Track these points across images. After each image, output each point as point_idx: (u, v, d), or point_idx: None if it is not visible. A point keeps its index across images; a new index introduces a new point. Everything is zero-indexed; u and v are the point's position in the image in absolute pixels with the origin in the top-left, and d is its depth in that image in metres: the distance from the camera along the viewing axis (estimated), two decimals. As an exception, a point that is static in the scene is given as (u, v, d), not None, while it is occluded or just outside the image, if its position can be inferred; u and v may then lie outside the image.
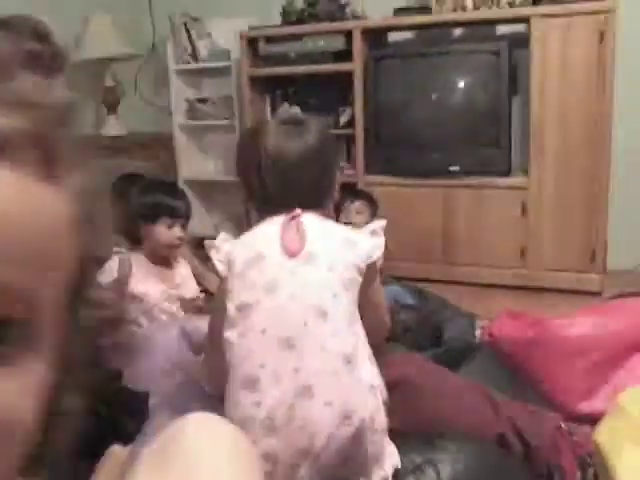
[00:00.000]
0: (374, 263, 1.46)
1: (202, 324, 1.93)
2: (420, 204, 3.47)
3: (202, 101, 4.33)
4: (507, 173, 3.36)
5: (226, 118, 4.20)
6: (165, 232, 2.40)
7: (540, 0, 3.24)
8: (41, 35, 1.87)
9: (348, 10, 3.70)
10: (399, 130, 3.50)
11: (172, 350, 1.86)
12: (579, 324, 2.08)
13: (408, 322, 2.25)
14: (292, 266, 1.42)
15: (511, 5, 3.36)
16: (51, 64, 1.92)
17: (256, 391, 1.34)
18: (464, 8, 3.41)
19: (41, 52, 1.92)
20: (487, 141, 3.36)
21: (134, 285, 2.28)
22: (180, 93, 4.35)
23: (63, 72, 1.96)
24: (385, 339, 2.16)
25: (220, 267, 1.45)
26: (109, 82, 4.15)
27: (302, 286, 1.41)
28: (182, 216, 2.43)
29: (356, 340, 1.40)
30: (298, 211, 1.47)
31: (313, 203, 1.52)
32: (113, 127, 4.14)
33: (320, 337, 1.37)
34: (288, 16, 3.75)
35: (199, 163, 4.49)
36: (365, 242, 1.47)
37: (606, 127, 3.11)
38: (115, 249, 2.66)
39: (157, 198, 2.41)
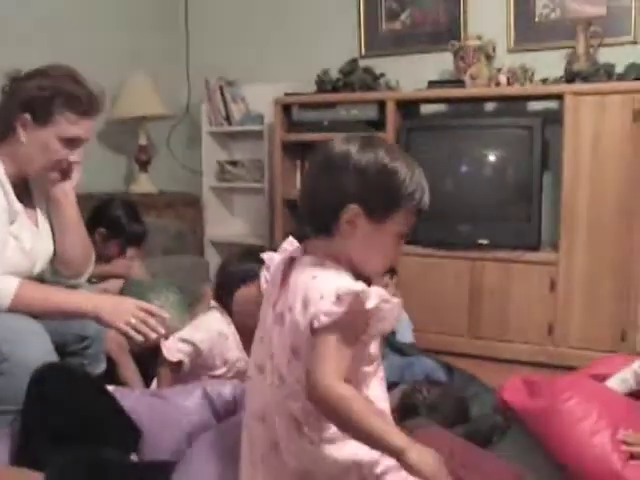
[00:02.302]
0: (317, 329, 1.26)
1: (226, 389, 1.90)
2: (447, 276, 3.44)
3: (233, 163, 4.38)
4: (536, 248, 3.32)
5: (256, 181, 4.23)
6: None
7: (574, 78, 3.26)
8: (76, 79, 1.92)
9: (382, 81, 3.76)
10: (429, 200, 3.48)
11: (194, 415, 1.82)
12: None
13: (433, 400, 2.20)
14: (270, 323, 1.40)
15: (544, 82, 3.40)
16: (88, 105, 1.96)
17: None
18: (497, 83, 3.44)
19: (78, 92, 1.96)
20: (517, 215, 3.34)
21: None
22: (211, 155, 4.40)
23: (99, 113, 2.00)
24: (410, 414, 2.12)
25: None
26: (142, 140, 4.21)
27: (274, 346, 1.37)
28: None
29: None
30: (297, 252, 1.41)
31: (320, 227, 1.37)
32: (143, 185, 4.18)
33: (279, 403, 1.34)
34: (323, 84, 3.81)
35: (226, 225, 4.51)
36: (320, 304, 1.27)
37: (639, 206, 3.08)
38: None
39: (256, 267, 2.32)
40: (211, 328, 2.30)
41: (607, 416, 1.94)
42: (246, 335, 2.30)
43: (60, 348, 2.07)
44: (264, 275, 1.51)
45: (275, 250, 1.57)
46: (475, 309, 3.41)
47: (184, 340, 2.23)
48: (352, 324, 1.25)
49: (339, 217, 1.32)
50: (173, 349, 2.22)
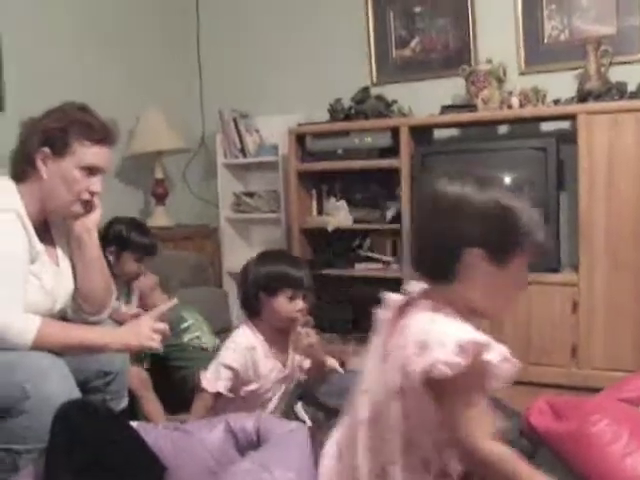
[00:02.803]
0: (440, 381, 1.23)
1: (249, 423, 1.89)
2: (467, 300, 3.42)
3: (249, 195, 4.41)
4: (557, 269, 3.31)
5: (272, 211, 4.26)
6: (286, 304, 2.28)
7: (586, 97, 3.26)
8: (86, 110, 1.97)
9: (395, 107, 3.78)
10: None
11: (217, 449, 1.81)
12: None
13: None
14: (374, 359, 1.40)
15: (557, 103, 3.40)
16: (102, 132, 2.01)
17: None
18: (510, 106, 3.45)
19: (91, 121, 2.00)
20: (535, 237, 3.32)
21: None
22: (227, 186, 4.43)
23: (114, 141, 2.05)
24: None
25: None
26: (159, 174, 4.25)
27: (372, 382, 1.39)
28: (304, 287, 2.30)
29: None
30: (416, 295, 1.38)
31: (436, 272, 1.32)
32: (161, 218, 4.21)
33: None
34: (335, 113, 3.84)
35: (244, 256, 4.46)
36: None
37: (657, 223, 3.07)
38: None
39: (280, 269, 2.31)
40: (239, 344, 2.30)
41: (638, 438, 1.91)
42: (278, 342, 2.34)
43: (82, 385, 2.07)
44: (379, 313, 1.49)
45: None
46: (496, 332, 3.35)
47: (223, 365, 2.25)
48: (476, 376, 1.23)
49: (459, 262, 1.28)
50: (212, 380, 2.25)
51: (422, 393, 1.26)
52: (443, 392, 1.24)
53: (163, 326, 1.98)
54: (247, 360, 2.27)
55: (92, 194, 2.01)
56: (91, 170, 1.98)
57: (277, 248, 3.52)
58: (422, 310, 1.32)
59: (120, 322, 2.37)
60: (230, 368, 2.25)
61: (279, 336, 2.34)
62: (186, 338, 2.89)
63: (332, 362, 2.48)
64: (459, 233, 1.28)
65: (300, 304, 2.29)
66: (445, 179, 1.32)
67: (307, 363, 2.41)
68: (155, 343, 1.96)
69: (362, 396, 1.38)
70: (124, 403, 2.23)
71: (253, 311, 2.34)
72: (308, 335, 2.32)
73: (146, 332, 1.95)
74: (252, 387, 2.30)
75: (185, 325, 2.92)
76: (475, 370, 1.21)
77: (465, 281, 1.29)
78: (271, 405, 2.37)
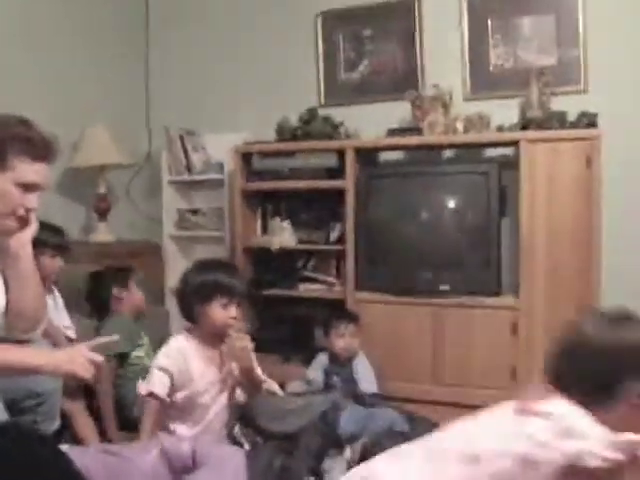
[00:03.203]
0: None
1: (184, 446, 1.85)
2: (409, 322, 3.44)
3: (193, 212, 4.36)
4: (497, 293, 3.35)
5: (216, 229, 4.22)
6: (220, 312, 2.33)
7: (528, 125, 3.33)
8: (27, 124, 1.91)
9: (342, 129, 3.79)
10: (389, 248, 3.51)
11: (151, 473, 1.77)
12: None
13: None
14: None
15: (500, 129, 3.47)
16: (42, 148, 1.94)
17: None
18: (455, 131, 3.50)
19: (32, 136, 1.93)
20: (477, 261, 3.37)
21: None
22: (172, 203, 4.38)
23: (54, 158, 1.99)
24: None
25: None
26: (102, 189, 4.17)
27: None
28: (238, 295, 2.35)
29: None
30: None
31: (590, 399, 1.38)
32: (102, 234, 4.13)
33: None
34: (282, 133, 3.84)
35: (187, 273, 4.46)
36: None
37: (595, 248, 3.15)
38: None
39: (213, 277, 2.36)
40: (172, 349, 2.38)
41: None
42: (212, 347, 2.38)
43: (12, 405, 2.01)
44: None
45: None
46: (438, 355, 3.41)
47: (157, 368, 2.31)
48: (616, 472, 1.28)
49: (619, 397, 1.36)
50: (147, 384, 2.30)
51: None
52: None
53: (99, 359, 1.93)
54: (180, 363, 2.32)
55: (28, 210, 1.96)
56: (28, 187, 1.92)
57: (215, 257, 3.49)
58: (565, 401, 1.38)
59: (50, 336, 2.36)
60: (163, 370, 2.31)
61: (214, 341, 2.38)
62: (133, 354, 2.94)
63: (271, 384, 2.47)
64: (620, 370, 1.37)
65: (233, 311, 2.35)
66: (591, 321, 1.45)
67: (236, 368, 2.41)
68: (88, 374, 1.88)
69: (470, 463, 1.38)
70: (55, 425, 2.17)
71: (190, 318, 2.40)
72: (240, 339, 2.33)
73: (82, 361, 1.88)
74: (185, 392, 2.32)
75: (140, 342, 2.99)
76: (619, 466, 1.27)
77: (623, 413, 1.36)
78: (211, 413, 2.37)
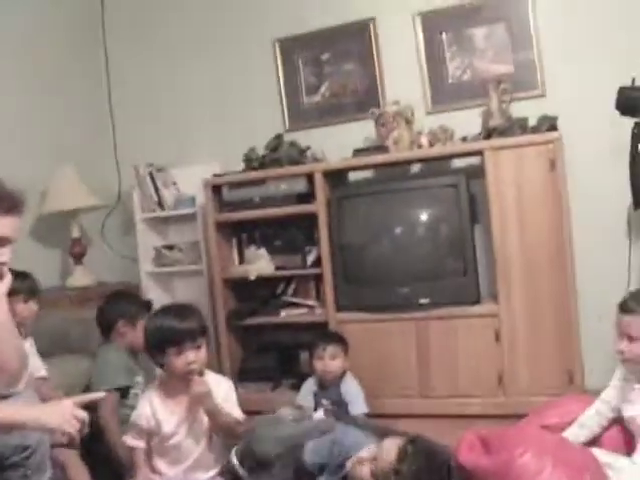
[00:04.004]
0: None
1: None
2: (393, 339, 3.45)
3: (169, 248, 4.36)
4: (477, 301, 3.37)
5: (194, 263, 4.22)
6: (175, 360, 2.34)
7: (490, 134, 3.38)
8: None
9: (309, 153, 3.82)
10: (366, 267, 3.53)
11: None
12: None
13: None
14: None
15: (464, 140, 3.51)
16: (10, 202, 1.94)
17: None
18: (420, 146, 3.54)
19: None
20: (454, 271, 3.39)
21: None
22: (147, 241, 4.38)
23: (23, 210, 1.99)
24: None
25: None
26: (75, 233, 4.16)
27: None
28: (190, 340, 2.33)
29: None
30: None
31: None
32: (80, 278, 4.11)
33: None
34: (250, 162, 3.86)
35: (168, 309, 4.44)
36: None
37: (567, 247, 3.18)
38: None
39: (162, 326, 2.37)
40: (141, 399, 2.49)
41: (561, 467, 1.96)
42: (178, 390, 2.41)
43: (0, 461, 1.99)
44: None
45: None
46: (424, 368, 3.42)
47: (131, 422, 2.43)
48: None
49: None
50: (128, 438, 2.45)
51: None
52: None
53: (84, 415, 1.93)
54: (147, 412, 2.40)
55: (0, 264, 1.96)
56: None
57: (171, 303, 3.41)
58: None
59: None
60: (135, 423, 2.42)
61: (183, 385, 2.38)
62: (132, 392, 2.89)
63: (235, 413, 2.47)
64: None
65: (191, 356, 2.33)
66: None
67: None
68: (73, 430, 1.89)
69: None
70: (46, 476, 2.15)
71: (158, 365, 2.43)
72: (199, 384, 2.34)
73: (67, 416, 1.89)
74: (156, 437, 2.40)
75: (134, 390, 2.90)
76: None
77: None
78: (190, 458, 2.40)
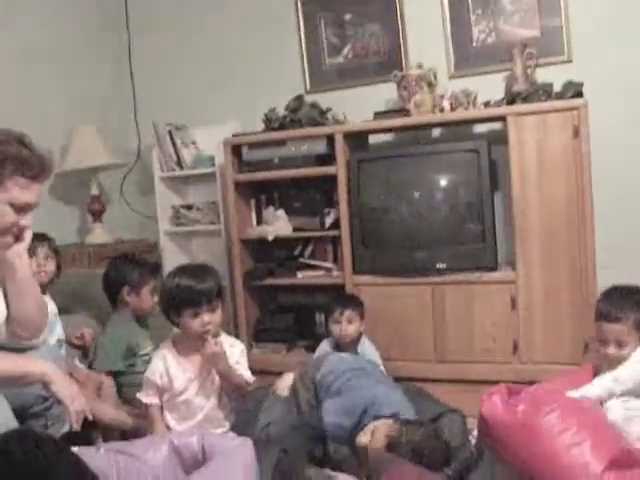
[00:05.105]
0: None
1: (193, 440, 1.87)
2: (409, 303, 3.46)
3: (187, 207, 4.37)
4: (494, 268, 3.36)
5: (212, 223, 4.23)
6: (190, 321, 2.36)
7: (514, 99, 3.34)
8: (25, 143, 1.89)
9: (329, 115, 3.79)
10: (384, 230, 3.52)
11: (162, 470, 1.79)
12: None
13: (420, 444, 2.14)
14: None
15: (487, 105, 3.47)
16: (39, 169, 1.93)
17: None
18: (442, 110, 3.50)
19: (28, 157, 1.92)
20: (472, 237, 3.38)
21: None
22: (165, 200, 4.39)
23: (49, 177, 1.98)
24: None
25: None
26: (95, 191, 4.18)
27: None
28: (206, 302, 2.35)
29: None
30: None
31: None
32: (99, 235, 4.14)
33: None
34: (270, 122, 3.83)
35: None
36: None
37: (588, 216, 3.15)
38: None
39: (179, 287, 2.37)
40: (154, 356, 2.52)
41: (586, 430, 1.96)
42: (192, 349, 2.44)
43: (21, 410, 2.03)
44: None
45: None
46: (440, 334, 3.43)
47: (145, 378, 2.46)
48: None
49: None
50: (142, 395, 2.47)
51: None
52: None
53: (88, 414, 1.98)
54: (160, 368, 2.43)
55: (23, 227, 1.97)
56: (23, 207, 1.92)
57: (194, 263, 3.33)
58: None
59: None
60: (148, 380, 2.44)
61: (196, 344, 2.40)
62: (142, 366, 2.81)
63: (245, 376, 2.51)
64: None
65: (206, 318, 2.35)
66: None
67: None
68: (75, 421, 1.93)
69: None
70: (66, 427, 2.19)
71: (172, 323, 2.45)
72: (216, 344, 2.37)
73: (81, 402, 1.94)
74: (167, 395, 2.44)
75: (142, 352, 2.89)
76: None
77: None
78: (199, 413, 2.44)
